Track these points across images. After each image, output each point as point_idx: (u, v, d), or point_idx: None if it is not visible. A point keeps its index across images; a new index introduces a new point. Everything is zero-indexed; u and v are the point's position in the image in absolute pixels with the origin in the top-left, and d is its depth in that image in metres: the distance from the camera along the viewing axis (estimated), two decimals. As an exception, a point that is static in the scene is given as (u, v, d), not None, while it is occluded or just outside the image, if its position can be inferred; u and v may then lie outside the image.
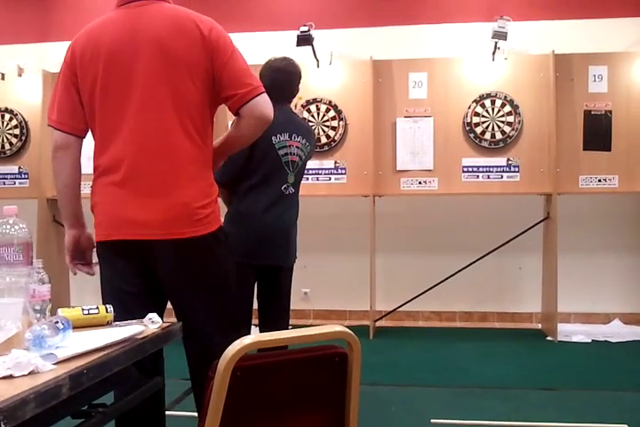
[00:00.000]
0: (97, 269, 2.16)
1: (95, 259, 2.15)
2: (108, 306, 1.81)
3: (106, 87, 1.99)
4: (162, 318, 1.85)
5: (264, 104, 1.99)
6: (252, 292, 3.00)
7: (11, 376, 1.29)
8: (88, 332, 1.68)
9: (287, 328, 3.01)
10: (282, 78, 2.96)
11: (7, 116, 5.39)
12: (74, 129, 2.04)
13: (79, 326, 1.71)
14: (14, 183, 5.41)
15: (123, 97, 1.98)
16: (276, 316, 3.06)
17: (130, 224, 1.98)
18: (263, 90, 2.01)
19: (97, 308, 1.80)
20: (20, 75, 5.43)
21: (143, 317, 1.79)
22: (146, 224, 1.97)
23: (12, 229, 1.67)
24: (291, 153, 2.93)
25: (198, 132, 2.00)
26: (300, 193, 3.06)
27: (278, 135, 2.88)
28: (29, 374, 1.31)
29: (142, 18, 2.00)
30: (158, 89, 1.97)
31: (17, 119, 5.37)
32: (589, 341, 4.70)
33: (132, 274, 2.04)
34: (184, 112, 1.97)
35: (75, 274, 2.18)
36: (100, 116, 2.01)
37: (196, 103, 1.99)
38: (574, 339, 4.73)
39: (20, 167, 5.40)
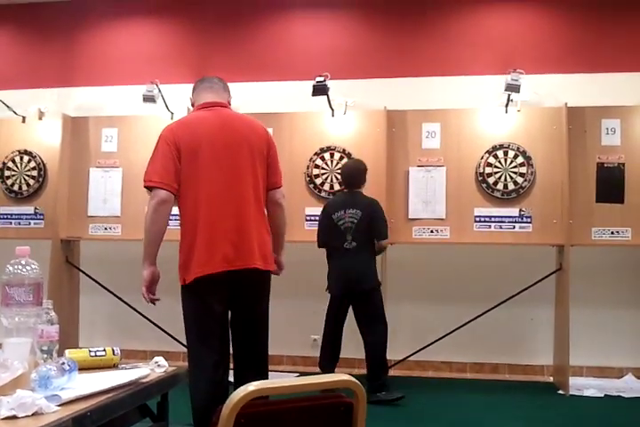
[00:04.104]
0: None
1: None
2: (115, 348, 1.81)
3: (208, 164, 2.70)
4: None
5: (280, 194, 2.91)
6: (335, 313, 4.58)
7: (14, 417, 1.29)
8: (94, 374, 1.68)
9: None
10: (350, 173, 4.66)
11: (26, 158, 5.48)
12: (174, 189, 2.68)
13: (86, 367, 1.71)
14: (29, 224, 5.46)
15: (224, 168, 2.71)
16: (366, 321, 4.51)
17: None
18: (282, 184, 2.94)
19: (104, 350, 1.81)
20: (40, 118, 5.55)
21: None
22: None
23: (24, 270, 1.69)
24: (345, 222, 4.51)
25: (262, 202, 2.82)
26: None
27: (337, 212, 4.54)
28: (33, 415, 1.30)
29: (225, 118, 2.82)
30: (246, 171, 2.75)
31: (35, 161, 5.46)
32: (602, 395, 4.59)
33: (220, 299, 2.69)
34: (258, 189, 2.78)
35: (154, 304, 2.69)
36: (204, 182, 2.69)
37: (262, 180, 2.81)
38: (586, 393, 4.63)
39: (36, 208, 5.46)
